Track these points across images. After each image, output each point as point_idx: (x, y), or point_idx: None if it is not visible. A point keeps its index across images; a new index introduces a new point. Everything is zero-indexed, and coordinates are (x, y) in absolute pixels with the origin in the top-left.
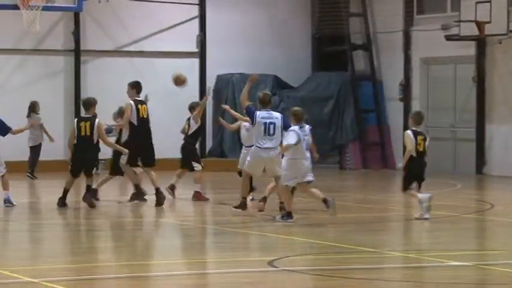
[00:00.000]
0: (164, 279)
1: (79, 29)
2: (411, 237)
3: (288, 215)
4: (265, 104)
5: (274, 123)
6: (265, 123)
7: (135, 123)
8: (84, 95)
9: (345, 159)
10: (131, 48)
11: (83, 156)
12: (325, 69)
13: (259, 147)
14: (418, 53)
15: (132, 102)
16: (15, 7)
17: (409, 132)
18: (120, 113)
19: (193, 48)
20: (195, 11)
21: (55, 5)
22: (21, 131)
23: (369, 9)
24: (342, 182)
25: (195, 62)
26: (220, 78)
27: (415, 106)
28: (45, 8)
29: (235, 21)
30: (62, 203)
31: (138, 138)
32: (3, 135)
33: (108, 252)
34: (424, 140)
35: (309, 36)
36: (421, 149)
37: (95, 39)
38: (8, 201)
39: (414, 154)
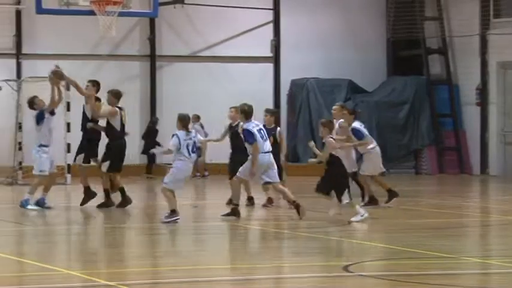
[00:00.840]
0: (240, 284)
1: (154, 34)
2: (488, 243)
3: (172, 213)
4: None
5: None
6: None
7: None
8: (159, 99)
9: (420, 164)
10: (206, 53)
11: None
12: (401, 74)
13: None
14: (494, 57)
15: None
16: (92, 13)
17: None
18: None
19: (268, 53)
20: (269, 15)
21: (131, 10)
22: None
23: (445, 13)
24: (417, 187)
25: (270, 66)
26: (294, 83)
27: (492, 111)
28: (122, 14)
29: (310, 26)
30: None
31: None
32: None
33: (183, 256)
34: None
35: (384, 41)
36: None
37: (170, 44)
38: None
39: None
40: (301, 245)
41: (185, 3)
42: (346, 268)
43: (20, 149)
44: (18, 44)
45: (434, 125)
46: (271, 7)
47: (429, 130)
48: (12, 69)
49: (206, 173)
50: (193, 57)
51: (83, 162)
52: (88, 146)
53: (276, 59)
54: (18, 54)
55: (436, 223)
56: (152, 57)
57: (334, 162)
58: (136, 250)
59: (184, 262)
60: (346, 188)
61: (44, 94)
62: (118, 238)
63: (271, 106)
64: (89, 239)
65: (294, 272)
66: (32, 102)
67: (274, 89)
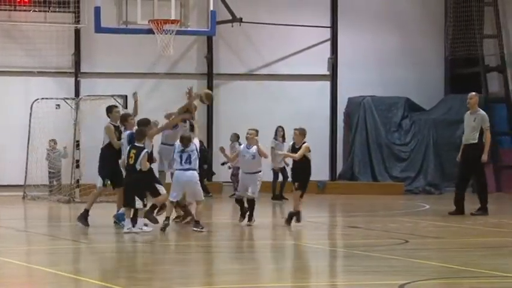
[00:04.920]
0: None
1: (212, 52)
2: None
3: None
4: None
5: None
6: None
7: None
8: (216, 118)
9: None
10: (263, 71)
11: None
12: (458, 92)
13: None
14: None
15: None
16: (150, 32)
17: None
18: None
19: (325, 71)
20: (327, 33)
21: (189, 29)
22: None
23: (504, 31)
24: (475, 205)
25: (327, 84)
26: (351, 101)
27: None
28: (179, 33)
29: (367, 44)
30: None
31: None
32: None
33: (237, 274)
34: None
35: (442, 58)
36: None
37: (228, 62)
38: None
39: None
40: (356, 264)
41: (243, 22)
42: (402, 287)
43: (78, 166)
44: (77, 63)
45: (492, 143)
46: (328, 25)
47: None
48: (70, 87)
49: None
50: (250, 76)
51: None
52: None
53: (333, 77)
54: (76, 72)
55: (494, 242)
56: (209, 76)
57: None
58: (193, 268)
59: (237, 280)
60: None
61: (100, 112)
62: (176, 256)
63: (328, 124)
64: (144, 256)
65: None
66: (125, 120)
67: (331, 107)
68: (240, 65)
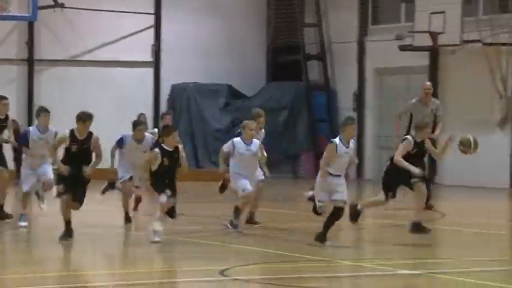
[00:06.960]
0: None
1: (33, 38)
2: (363, 246)
3: None
4: None
5: None
6: None
7: None
8: (37, 104)
9: (298, 168)
10: (86, 57)
11: None
12: (280, 79)
13: None
14: (372, 63)
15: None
16: None
17: None
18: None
19: (148, 57)
20: (150, 20)
21: (9, 14)
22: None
23: (324, 20)
24: (295, 191)
25: (150, 71)
26: (174, 88)
27: (368, 116)
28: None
29: (191, 32)
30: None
31: None
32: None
33: (68, 261)
34: None
35: (264, 46)
36: None
37: (49, 48)
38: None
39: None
40: (178, 250)
41: (65, 7)
42: (222, 272)
43: None
44: None
45: (312, 130)
46: (152, 12)
47: (306, 135)
48: None
49: None
50: (72, 62)
51: None
52: None
53: (156, 64)
54: None
55: (312, 227)
56: (30, 62)
57: None
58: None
59: (59, 268)
60: None
61: None
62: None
63: (151, 111)
64: None
65: (170, 277)
66: None
67: (154, 94)
68: (62, 51)
